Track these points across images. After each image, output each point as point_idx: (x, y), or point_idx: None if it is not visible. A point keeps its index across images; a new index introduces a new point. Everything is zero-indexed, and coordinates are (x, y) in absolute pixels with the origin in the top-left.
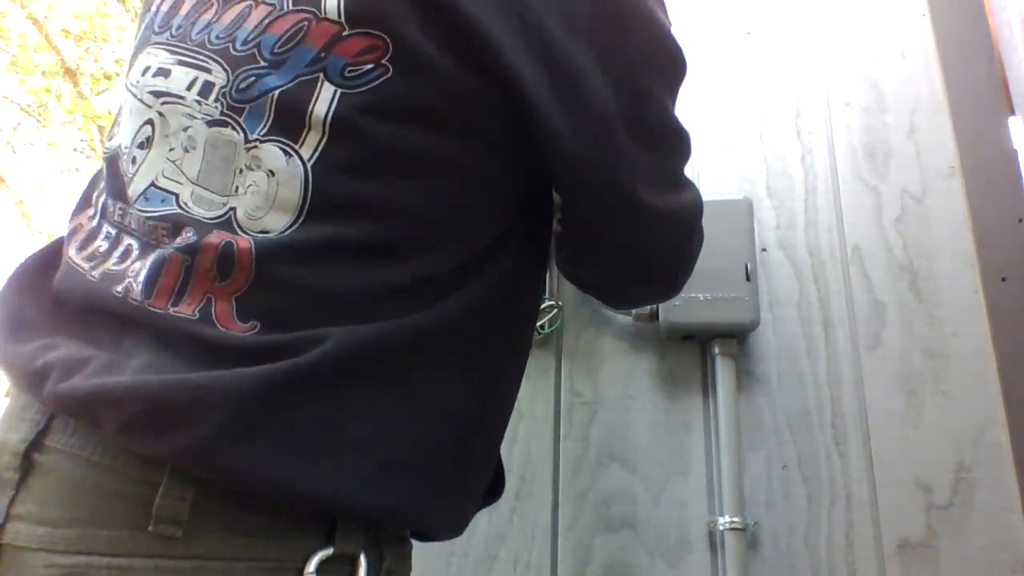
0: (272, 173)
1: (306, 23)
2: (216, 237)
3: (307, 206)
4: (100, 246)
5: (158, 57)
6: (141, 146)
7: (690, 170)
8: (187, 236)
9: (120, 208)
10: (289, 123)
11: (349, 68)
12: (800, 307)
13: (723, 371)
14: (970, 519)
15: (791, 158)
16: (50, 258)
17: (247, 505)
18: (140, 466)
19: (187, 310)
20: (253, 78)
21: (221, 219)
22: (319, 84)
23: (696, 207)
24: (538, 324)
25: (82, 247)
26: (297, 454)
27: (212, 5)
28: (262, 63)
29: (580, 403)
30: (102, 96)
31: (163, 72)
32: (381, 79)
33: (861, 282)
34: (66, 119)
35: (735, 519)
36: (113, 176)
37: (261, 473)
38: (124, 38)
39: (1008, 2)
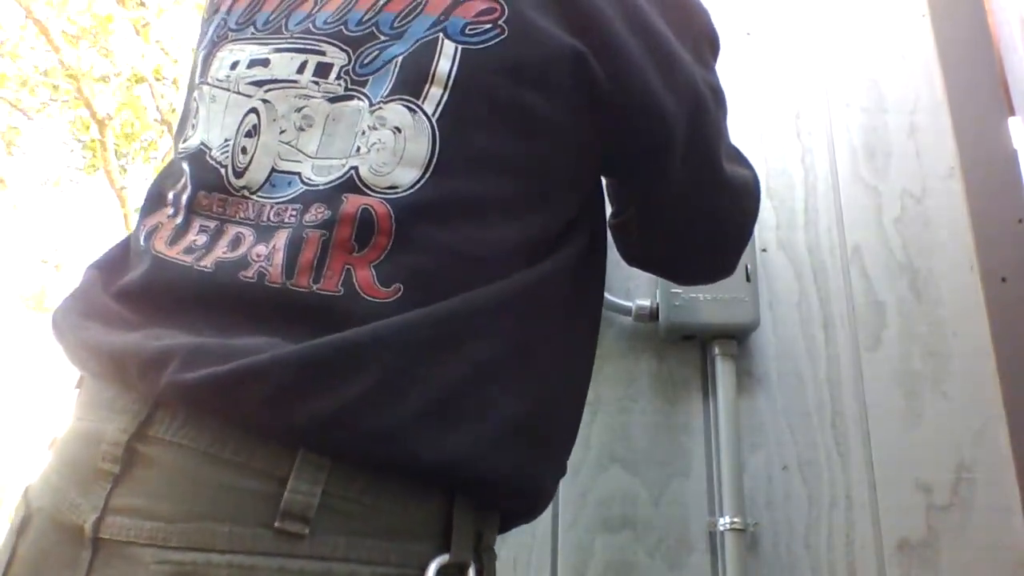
0: (399, 130)
1: None
2: (351, 206)
3: (435, 160)
4: (196, 239)
5: (245, 51)
6: (248, 135)
7: None
8: (320, 212)
9: (220, 199)
10: (411, 81)
11: (469, 27)
12: (800, 307)
13: (723, 372)
14: (970, 519)
15: (791, 158)
16: (121, 259)
17: (370, 504)
18: (264, 458)
19: (330, 286)
20: (376, 51)
21: (342, 179)
22: (440, 42)
23: (757, 183)
24: None
25: (173, 242)
26: (438, 415)
27: (307, 0)
28: (383, 38)
29: None
30: (102, 98)
31: (260, 62)
32: (498, 39)
33: (861, 282)
34: (67, 121)
35: (735, 520)
36: (201, 171)
37: (411, 440)
38: (123, 38)
39: (1008, 2)
